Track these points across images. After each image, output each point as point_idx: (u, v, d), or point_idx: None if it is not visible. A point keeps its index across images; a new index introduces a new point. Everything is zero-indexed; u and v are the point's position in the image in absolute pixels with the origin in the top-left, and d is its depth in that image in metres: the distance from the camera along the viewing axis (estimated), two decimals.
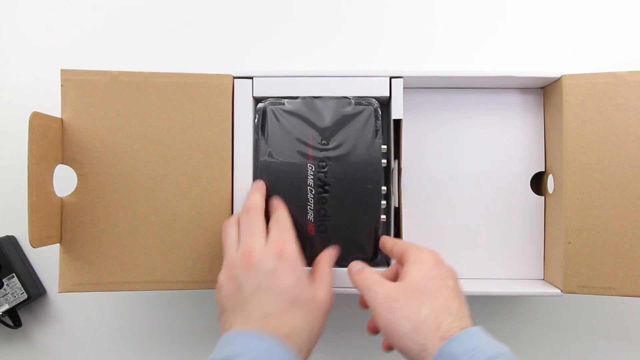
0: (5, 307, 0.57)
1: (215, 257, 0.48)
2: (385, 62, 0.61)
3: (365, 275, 0.41)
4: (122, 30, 0.62)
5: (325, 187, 0.48)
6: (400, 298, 0.37)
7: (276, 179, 0.48)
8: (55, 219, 0.46)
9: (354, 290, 0.43)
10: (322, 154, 0.48)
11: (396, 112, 0.49)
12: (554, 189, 0.52)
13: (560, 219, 0.49)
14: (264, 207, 0.45)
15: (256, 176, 0.49)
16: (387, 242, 0.45)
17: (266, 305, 0.37)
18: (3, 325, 0.59)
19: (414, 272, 0.38)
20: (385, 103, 0.51)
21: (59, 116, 0.47)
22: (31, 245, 0.42)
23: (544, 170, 0.54)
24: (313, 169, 0.48)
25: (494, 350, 0.33)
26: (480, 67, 0.60)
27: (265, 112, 0.49)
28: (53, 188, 0.46)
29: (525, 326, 0.60)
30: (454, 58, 0.61)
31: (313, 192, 0.48)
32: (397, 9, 0.61)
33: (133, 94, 0.48)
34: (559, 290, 0.49)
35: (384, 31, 0.61)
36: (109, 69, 0.48)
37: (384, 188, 0.48)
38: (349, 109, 0.49)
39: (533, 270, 0.54)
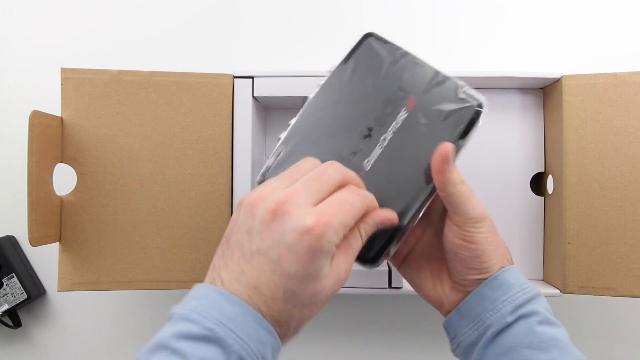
0: (5, 307, 0.57)
1: None
2: None
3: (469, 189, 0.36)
4: (122, 29, 0.62)
5: None
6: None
7: None
8: (55, 218, 0.46)
9: (352, 291, 0.42)
10: None
11: None
12: (553, 189, 0.52)
13: (560, 219, 0.49)
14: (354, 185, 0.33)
15: None
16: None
17: (261, 278, 0.30)
18: (3, 325, 0.59)
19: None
20: None
21: (59, 115, 0.47)
22: (30, 243, 0.42)
23: (543, 170, 0.54)
24: None
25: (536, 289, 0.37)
26: (481, 67, 0.60)
27: None
28: (53, 187, 0.46)
29: None
30: (454, 58, 0.61)
31: None
32: (397, 10, 0.61)
33: (133, 93, 0.48)
34: (558, 291, 0.49)
35: (384, 32, 0.61)
36: (109, 68, 0.48)
37: None
38: None
39: (532, 270, 0.54)
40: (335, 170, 0.32)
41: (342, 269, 0.31)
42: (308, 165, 0.33)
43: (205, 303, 0.29)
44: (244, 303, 0.29)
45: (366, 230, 0.33)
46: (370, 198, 0.33)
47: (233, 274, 0.30)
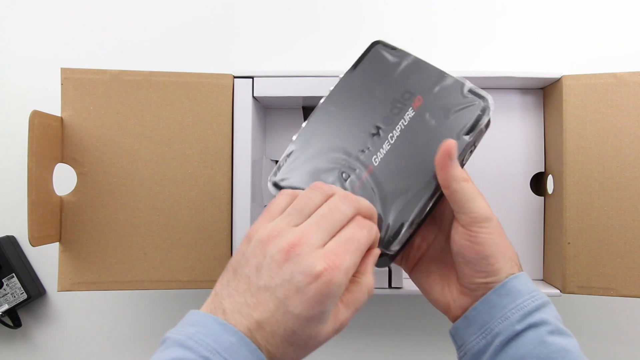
0: (5, 307, 0.57)
1: (214, 257, 0.48)
2: None
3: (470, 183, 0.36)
4: (122, 29, 0.62)
5: None
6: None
7: None
8: (55, 218, 0.46)
9: None
10: None
11: None
12: (553, 189, 0.52)
13: (560, 219, 0.49)
14: (369, 217, 0.34)
15: None
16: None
17: (264, 314, 0.30)
18: (3, 325, 0.59)
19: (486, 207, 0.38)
20: None
21: (59, 115, 0.47)
22: (30, 243, 0.42)
23: (543, 170, 0.54)
24: None
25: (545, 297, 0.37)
26: (481, 67, 0.60)
27: None
28: (53, 187, 0.46)
29: None
30: (454, 59, 0.61)
31: None
32: (397, 10, 0.61)
33: (133, 93, 0.48)
34: (558, 291, 0.49)
35: (384, 32, 0.61)
36: (109, 68, 0.48)
37: None
38: None
39: (532, 270, 0.54)
40: (347, 205, 0.32)
41: (343, 319, 0.32)
42: (317, 196, 0.33)
43: (202, 331, 0.29)
44: (240, 333, 0.30)
45: (369, 283, 0.33)
46: (375, 230, 0.33)
47: (236, 304, 0.31)
